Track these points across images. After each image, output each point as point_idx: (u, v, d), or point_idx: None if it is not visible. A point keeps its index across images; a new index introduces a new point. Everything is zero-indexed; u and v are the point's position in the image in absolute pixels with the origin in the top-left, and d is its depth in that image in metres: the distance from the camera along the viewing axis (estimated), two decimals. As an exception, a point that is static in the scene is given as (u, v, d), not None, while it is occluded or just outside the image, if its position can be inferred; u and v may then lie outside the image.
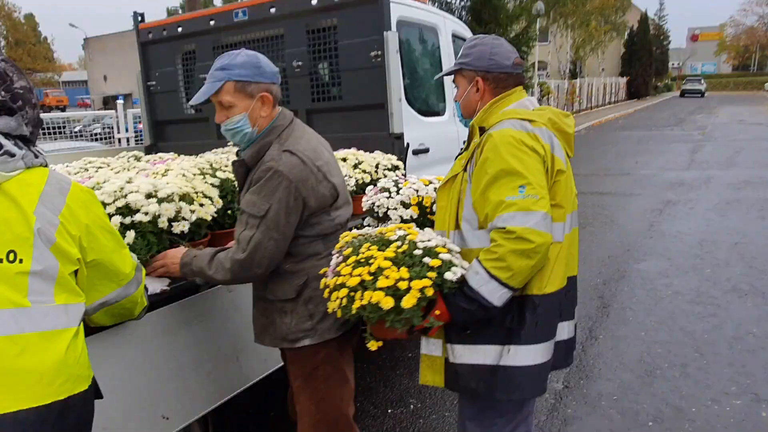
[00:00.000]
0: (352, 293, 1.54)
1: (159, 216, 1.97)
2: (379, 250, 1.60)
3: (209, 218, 2.19)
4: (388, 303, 1.48)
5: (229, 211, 2.40)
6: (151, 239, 1.94)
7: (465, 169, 1.74)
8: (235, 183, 2.50)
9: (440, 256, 1.57)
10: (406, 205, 2.36)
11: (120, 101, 7.24)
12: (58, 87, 51.94)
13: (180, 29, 4.32)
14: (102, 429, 1.49)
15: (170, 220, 2.01)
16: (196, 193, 2.22)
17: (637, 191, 9.53)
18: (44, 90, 49.87)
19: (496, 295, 1.58)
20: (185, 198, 2.13)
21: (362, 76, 3.58)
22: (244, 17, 3.96)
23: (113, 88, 44.09)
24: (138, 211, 1.93)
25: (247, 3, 3.99)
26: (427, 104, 4.28)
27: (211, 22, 4.13)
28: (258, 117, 1.83)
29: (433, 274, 1.52)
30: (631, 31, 43.94)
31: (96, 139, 12.47)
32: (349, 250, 1.66)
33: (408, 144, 3.59)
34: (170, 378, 1.99)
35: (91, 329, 1.66)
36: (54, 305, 1.28)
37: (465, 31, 4.83)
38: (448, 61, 4.36)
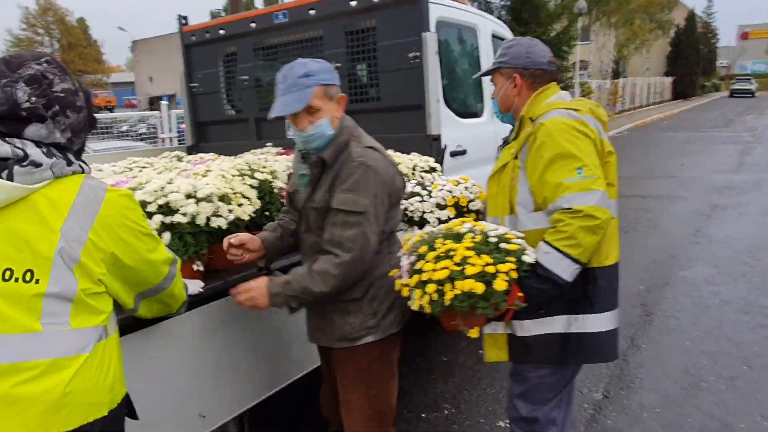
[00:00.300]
0: (440, 286, 1.61)
1: (197, 215, 2.00)
2: (454, 243, 1.67)
3: (247, 218, 2.21)
4: (480, 288, 1.56)
5: (266, 212, 2.42)
6: (188, 240, 1.97)
7: (516, 158, 1.88)
8: (272, 184, 2.53)
9: (513, 241, 1.68)
10: (441, 207, 2.35)
11: (164, 102, 7.44)
12: (107, 88, 53.78)
13: (222, 32, 4.40)
14: (140, 425, 1.52)
15: (208, 218, 2.04)
16: (235, 193, 2.25)
17: (682, 194, 9.21)
18: (94, 91, 51.78)
19: (568, 272, 1.71)
20: (224, 198, 2.16)
21: (400, 77, 3.57)
22: (285, 19, 4.00)
23: (159, 89, 45.42)
24: (177, 211, 1.96)
25: (287, 5, 4.03)
26: (465, 105, 4.23)
27: (252, 24, 4.19)
28: (335, 118, 1.88)
29: (512, 259, 1.63)
30: (678, 29, 42.54)
31: (141, 139, 12.88)
32: (425, 247, 1.71)
33: (445, 146, 3.56)
34: (207, 377, 2.02)
35: (129, 327, 1.70)
36: (68, 329, 1.21)
37: (505, 32, 4.75)
38: (487, 62, 4.31)
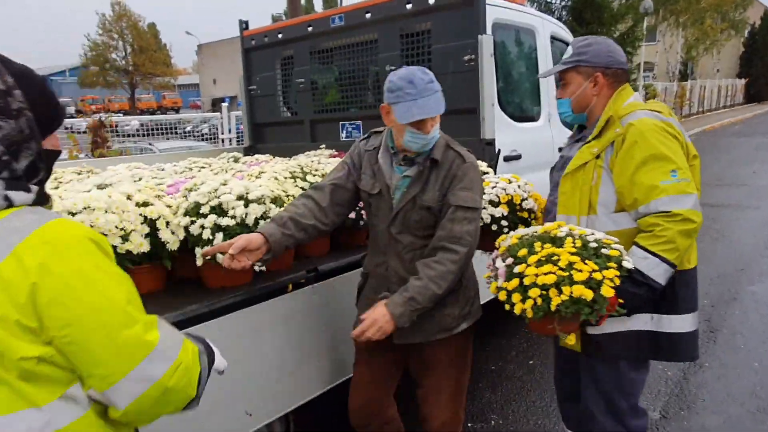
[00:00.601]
0: (543, 291, 1.61)
1: (246, 216, 2.03)
2: (555, 247, 1.68)
3: (297, 221, 2.24)
4: (589, 294, 1.56)
5: (317, 214, 2.44)
6: (240, 241, 2.01)
7: (597, 157, 1.87)
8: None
9: (614, 246, 1.68)
10: (494, 204, 2.34)
11: (225, 104, 7.68)
12: (174, 90, 56.17)
13: (280, 35, 4.48)
14: (186, 421, 1.56)
15: (257, 220, 2.07)
16: (287, 195, 2.28)
17: (753, 204, 8.68)
18: (162, 93, 54.21)
19: (663, 277, 1.72)
20: (276, 200, 2.19)
21: (454, 80, 3.52)
22: (341, 23, 4.03)
23: (221, 90, 47.04)
24: (227, 213, 2.00)
25: (343, 9, 4.07)
26: (521, 109, 4.13)
27: (309, 28, 4.25)
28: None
29: (613, 264, 1.63)
30: (753, 28, 40.11)
31: (203, 139, 13.34)
32: (524, 250, 1.72)
33: (499, 150, 3.48)
34: (255, 376, 2.05)
35: (182, 324, 1.74)
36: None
37: (564, 33, 4.62)
38: (545, 64, 4.20)
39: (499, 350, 3.96)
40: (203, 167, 3.79)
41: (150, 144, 9.80)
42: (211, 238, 1.95)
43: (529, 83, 4.21)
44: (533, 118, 4.21)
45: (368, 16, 3.85)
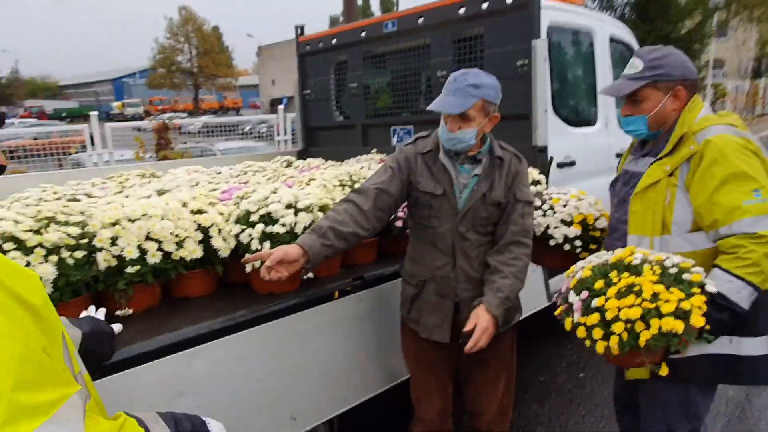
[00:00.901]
0: (628, 324, 1.53)
1: (296, 224, 2.08)
2: (633, 276, 1.60)
3: (345, 229, 2.27)
4: (680, 326, 1.48)
5: (364, 222, 2.46)
6: (289, 249, 2.06)
7: (671, 175, 1.80)
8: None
9: (694, 270, 1.60)
10: (567, 223, 2.28)
11: (282, 106, 7.86)
12: (235, 90, 58.03)
13: (334, 41, 4.55)
14: (232, 423, 1.61)
15: (306, 228, 2.11)
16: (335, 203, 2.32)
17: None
18: (224, 93, 56.13)
19: (747, 300, 1.64)
20: (324, 209, 2.23)
21: (507, 85, 3.44)
22: (394, 28, 4.05)
23: (279, 91, 48.13)
24: (278, 221, 2.06)
25: (396, 14, 4.09)
26: (576, 114, 4.02)
27: (363, 34, 4.29)
28: (481, 131, 2.04)
29: (697, 290, 1.55)
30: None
31: (261, 138, 13.73)
32: (600, 282, 1.63)
33: (552, 157, 3.41)
34: (300, 381, 2.10)
35: (227, 329, 1.80)
36: None
37: (624, 34, 4.46)
38: (603, 67, 4.07)
39: (547, 361, 3.87)
40: (257, 171, 3.90)
41: (212, 145, 10.15)
42: (259, 247, 2.00)
43: (586, 86, 4.09)
44: (589, 123, 4.08)
45: (421, 21, 3.85)
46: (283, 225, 2.05)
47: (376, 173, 2.14)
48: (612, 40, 4.24)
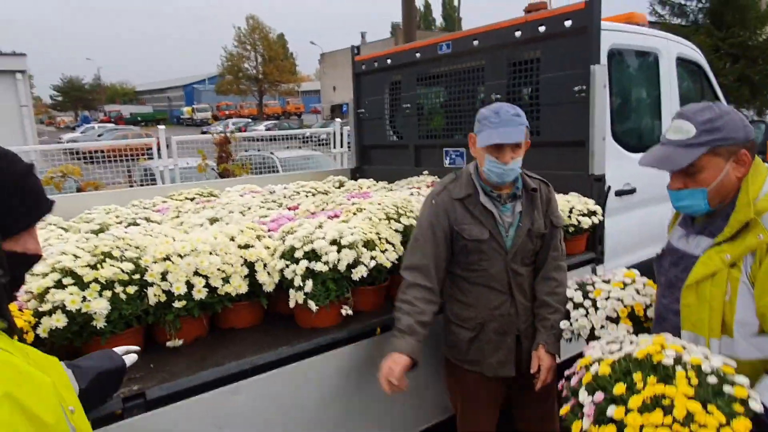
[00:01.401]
0: None
1: (338, 261, 2.09)
2: (660, 381, 1.29)
3: (389, 265, 2.26)
4: None
5: (408, 257, 2.45)
6: (330, 286, 2.07)
7: (733, 265, 1.47)
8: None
9: (738, 381, 1.29)
10: (614, 320, 1.94)
11: (339, 121, 7.98)
12: (297, 96, 59.51)
13: (389, 61, 4.57)
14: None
15: (350, 266, 2.12)
16: (380, 238, 2.32)
17: None
18: (286, 99, 57.69)
19: None
20: (368, 244, 2.23)
21: (563, 111, 3.38)
22: (448, 50, 4.02)
23: (340, 97, 48.90)
24: (320, 258, 2.08)
25: (451, 36, 4.06)
26: (638, 138, 3.85)
27: (417, 55, 4.29)
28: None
29: (740, 408, 1.22)
30: None
31: (321, 144, 13.98)
32: (622, 386, 1.30)
33: (609, 187, 3.27)
34: (340, 417, 2.10)
35: (259, 368, 1.83)
36: None
37: (692, 53, 4.23)
38: (669, 89, 3.87)
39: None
40: (310, 192, 3.97)
41: (272, 153, 10.43)
42: (302, 284, 2.03)
43: (649, 110, 3.92)
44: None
45: (476, 43, 3.81)
46: (326, 263, 2.07)
47: (421, 241, 2.09)
48: (680, 59, 4.04)
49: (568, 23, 3.25)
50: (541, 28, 3.40)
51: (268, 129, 38.40)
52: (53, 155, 7.32)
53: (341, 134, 7.74)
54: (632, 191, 3.57)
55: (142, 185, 7.11)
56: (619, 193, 3.47)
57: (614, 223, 3.39)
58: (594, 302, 1.98)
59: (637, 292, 1.95)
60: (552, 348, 2.05)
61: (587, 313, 1.98)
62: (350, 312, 2.16)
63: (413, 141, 4.51)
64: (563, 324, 2.05)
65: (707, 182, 1.54)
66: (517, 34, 3.54)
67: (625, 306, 1.91)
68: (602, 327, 1.93)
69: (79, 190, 5.75)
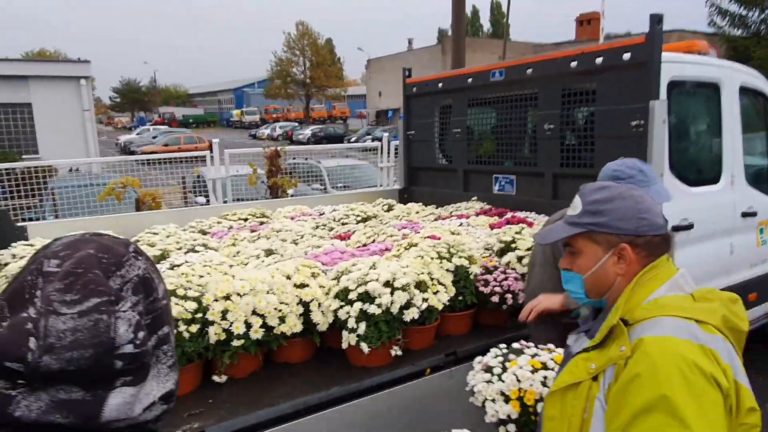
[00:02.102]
0: None
1: (392, 304, 2.13)
2: None
3: (440, 306, 2.28)
4: None
5: (460, 297, 2.46)
6: (382, 328, 2.11)
7: (595, 378, 1.23)
8: (469, 269, 2.56)
9: None
10: (506, 398, 1.75)
11: (386, 134, 8.04)
12: (343, 101, 60.21)
13: (440, 85, 4.59)
14: None
15: (402, 308, 2.15)
16: (431, 279, 2.34)
17: None
18: (332, 103, 58.47)
19: None
20: (420, 286, 2.26)
21: (619, 144, 3.31)
22: (500, 77, 4.01)
23: (385, 103, 49.16)
24: (374, 300, 2.11)
25: (505, 63, 4.04)
26: (697, 171, 3.74)
27: (469, 80, 4.29)
28: None
29: None
30: None
31: (366, 150, 14.10)
32: None
33: (666, 221, 3.19)
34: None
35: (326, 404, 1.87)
36: None
37: (757, 82, 4.08)
38: (730, 120, 3.75)
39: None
40: (360, 216, 4.03)
41: (318, 162, 10.59)
42: (355, 326, 2.07)
43: (709, 142, 3.80)
44: (712, 181, 3.78)
45: (529, 72, 3.78)
46: (379, 306, 2.10)
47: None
48: (744, 89, 3.90)
49: (626, 56, 3.19)
50: (598, 60, 3.35)
51: (314, 133, 39.18)
52: (114, 165, 7.72)
53: (388, 147, 7.78)
54: (689, 227, 3.46)
55: (194, 190, 7.40)
56: (676, 229, 3.38)
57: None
58: (501, 373, 1.80)
59: (546, 379, 1.73)
60: None
61: (490, 380, 1.80)
62: (400, 352, 2.19)
63: (462, 166, 4.51)
64: (470, 380, 1.86)
65: (582, 269, 1.35)
66: (573, 64, 3.49)
67: (520, 389, 1.72)
68: (492, 400, 1.76)
69: (137, 200, 5.98)
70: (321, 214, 4.24)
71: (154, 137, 34.27)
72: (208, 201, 7.83)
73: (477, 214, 3.90)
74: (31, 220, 6.94)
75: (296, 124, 47.45)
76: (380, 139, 8.10)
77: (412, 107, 5.02)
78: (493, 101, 4.20)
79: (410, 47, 50.72)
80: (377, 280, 2.17)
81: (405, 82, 5.02)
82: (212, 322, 1.98)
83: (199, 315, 2.04)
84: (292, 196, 6.70)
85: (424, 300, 2.22)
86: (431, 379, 2.27)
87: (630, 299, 1.25)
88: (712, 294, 1.27)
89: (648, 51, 3.07)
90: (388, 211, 4.39)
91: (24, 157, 16.70)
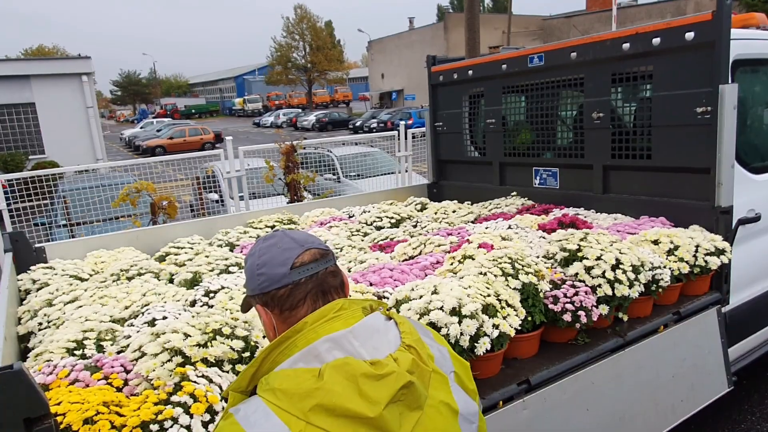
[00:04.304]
0: None
1: (461, 335, 1.88)
2: None
3: (513, 333, 2.04)
4: None
5: (529, 317, 2.20)
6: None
7: None
8: (538, 286, 2.30)
9: None
10: None
11: (402, 123, 7.74)
12: (345, 84, 59.48)
13: (470, 73, 4.29)
14: None
15: (472, 339, 1.91)
16: (499, 301, 2.09)
17: None
18: (335, 87, 57.81)
19: None
20: (488, 310, 2.01)
21: (681, 133, 3.03)
22: (540, 63, 3.71)
23: (388, 84, 48.52)
24: (439, 330, 1.87)
25: (544, 48, 3.74)
26: (761, 159, 3.44)
27: (503, 67, 3.99)
28: None
29: None
30: None
31: (371, 131, 13.71)
32: None
33: (739, 221, 2.92)
34: None
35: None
36: None
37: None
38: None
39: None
40: (393, 219, 3.77)
41: (329, 150, 10.31)
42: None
43: (773, 125, 3.50)
44: (778, 168, 3.48)
45: (573, 55, 3.48)
46: (446, 335, 1.86)
47: None
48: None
49: (689, 36, 2.89)
50: (656, 41, 3.04)
51: (318, 119, 38.69)
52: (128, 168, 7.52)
53: (405, 135, 7.49)
54: (757, 219, 3.18)
55: (205, 186, 7.19)
56: (741, 222, 3.10)
57: (736, 253, 3.03)
58: None
59: None
60: None
61: None
62: None
63: (498, 158, 4.23)
64: None
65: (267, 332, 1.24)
66: (625, 46, 3.19)
67: None
68: None
69: (152, 204, 5.76)
70: (350, 217, 3.98)
71: (158, 130, 33.99)
72: (221, 197, 7.60)
73: (519, 212, 3.63)
74: (43, 224, 6.76)
75: (300, 110, 46.93)
76: (386, 123, 7.82)
77: (438, 97, 4.72)
78: (531, 88, 3.90)
79: (412, 26, 49.82)
80: (442, 308, 1.92)
81: (430, 71, 4.72)
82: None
83: (247, 355, 1.81)
84: (306, 190, 6.47)
85: (495, 327, 1.97)
86: (503, 413, 2.04)
87: (263, 363, 1.05)
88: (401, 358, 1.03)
89: (716, 30, 2.77)
90: (421, 210, 4.13)
91: (31, 157, 16.51)
